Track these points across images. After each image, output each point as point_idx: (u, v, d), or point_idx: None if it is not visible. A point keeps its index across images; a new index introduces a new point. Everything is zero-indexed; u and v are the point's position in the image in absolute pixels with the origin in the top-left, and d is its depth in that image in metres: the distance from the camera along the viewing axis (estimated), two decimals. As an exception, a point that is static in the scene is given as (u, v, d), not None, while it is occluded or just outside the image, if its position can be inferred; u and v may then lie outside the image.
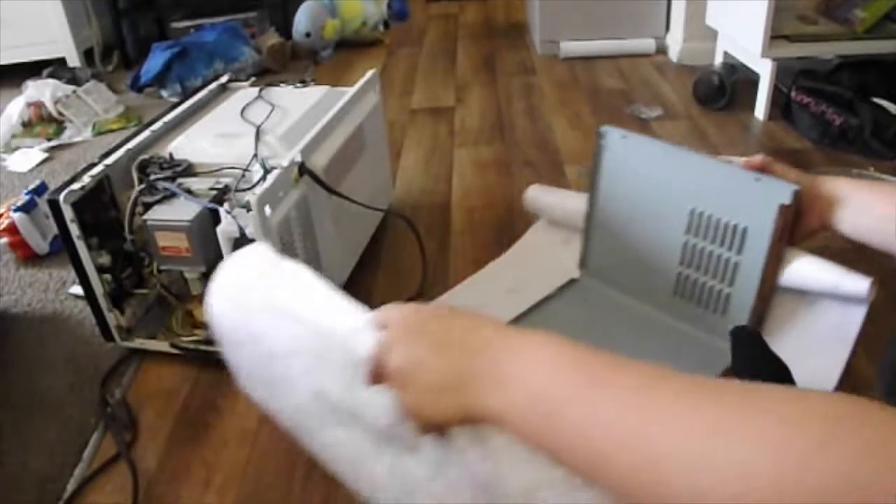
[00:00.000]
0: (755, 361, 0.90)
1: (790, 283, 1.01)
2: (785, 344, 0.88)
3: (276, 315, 0.59)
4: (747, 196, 0.96)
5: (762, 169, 0.93)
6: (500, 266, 1.28)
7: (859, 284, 0.96)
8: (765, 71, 1.85)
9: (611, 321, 1.15)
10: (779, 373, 0.89)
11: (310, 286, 0.57)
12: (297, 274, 0.58)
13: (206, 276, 1.10)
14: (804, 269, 0.99)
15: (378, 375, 0.50)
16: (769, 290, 0.99)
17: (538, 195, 1.28)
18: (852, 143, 1.66)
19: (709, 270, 1.05)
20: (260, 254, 0.62)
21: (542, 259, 1.27)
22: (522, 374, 0.43)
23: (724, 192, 1.00)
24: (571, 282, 1.22)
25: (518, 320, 1.15)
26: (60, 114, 2.14)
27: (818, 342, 0.97)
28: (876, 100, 1.67)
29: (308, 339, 0.57)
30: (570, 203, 1.24)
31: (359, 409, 0.55)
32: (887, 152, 1.62)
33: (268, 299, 0.59)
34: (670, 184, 1.06)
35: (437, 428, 0.49)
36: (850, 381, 0.99)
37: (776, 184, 0.91)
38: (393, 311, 0.51)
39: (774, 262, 0.96)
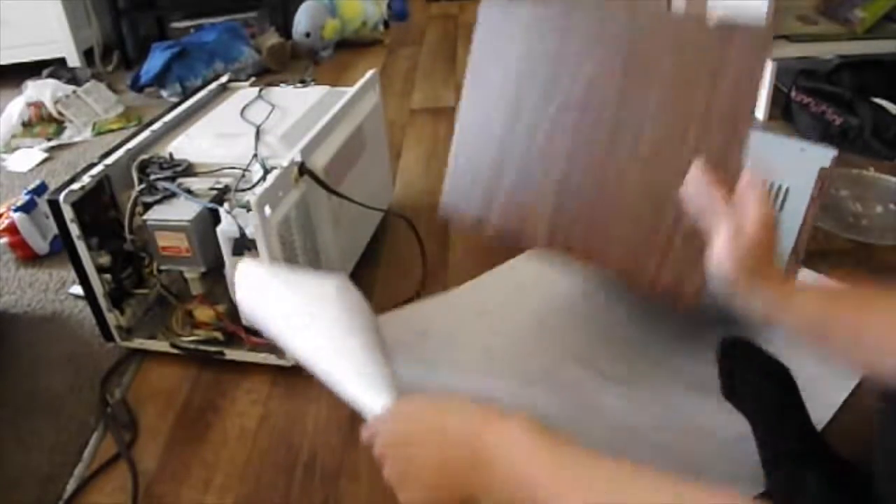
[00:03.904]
0: (757, 367, 0.90)
1: None
2: (796, 364, 0.89)
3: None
4: (791, 160, 1.03)
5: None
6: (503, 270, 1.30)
7: None
8: (765, 71, 1.85)
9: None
10: (781, 376, 0.89)
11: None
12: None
13: (205, 276, 1.10)
14: None
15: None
16: (804, 245, 1.05)
17: None
18: (852, 143, 1.66)
19: None
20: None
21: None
22: (503, 463, 0.50)
23: (771, 157, 1.06)
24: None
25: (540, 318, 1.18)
26: (60, 114, 2.14)
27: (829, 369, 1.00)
28: (876, 100, 1.67)
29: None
30: None
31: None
32: (887, 152, 1.62)
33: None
34: None
35: None
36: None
37: (818, 150, 1.01)
38: (382, 426, 0.61)
39: (811, 220, 1.03)
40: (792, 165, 1.05)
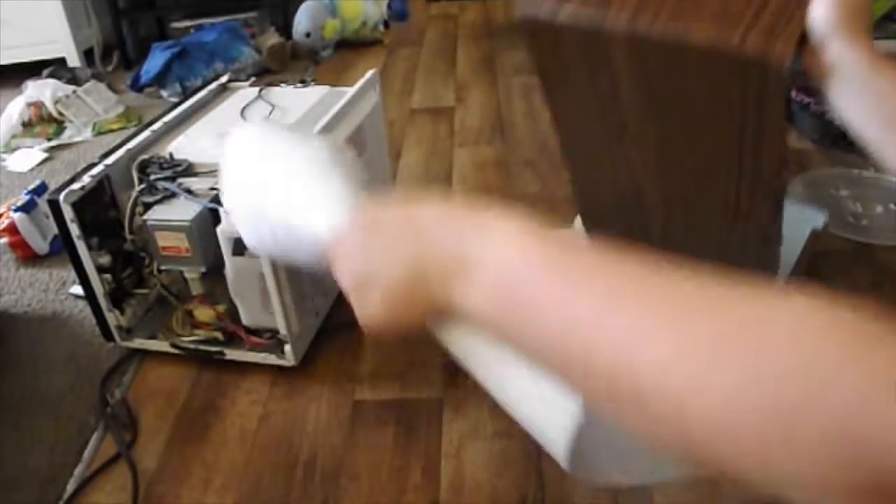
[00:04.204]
0: None
1: None
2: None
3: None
4: (787, 218, 1.06)
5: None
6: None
7: None
8: (765, 71, 1.85)
9: None
10: None
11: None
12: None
13: (205, 276, 1.10)
14: None
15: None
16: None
17: None
18: (852, 143, 1.66)
19: None
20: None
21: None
22: (491, 258, 0.39)
23: None
24: None
25: None
26: (60, 114, 2.14)
27: None
28: (876, 100, 1.67)
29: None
30: None
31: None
32: (887, 152, 1.62)
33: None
34: None
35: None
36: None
37: (811, 213, 1.09)
38: (342, 233, 0.48)
39: (799, 273, 1.08)
40: (788, 222, 1.08)
